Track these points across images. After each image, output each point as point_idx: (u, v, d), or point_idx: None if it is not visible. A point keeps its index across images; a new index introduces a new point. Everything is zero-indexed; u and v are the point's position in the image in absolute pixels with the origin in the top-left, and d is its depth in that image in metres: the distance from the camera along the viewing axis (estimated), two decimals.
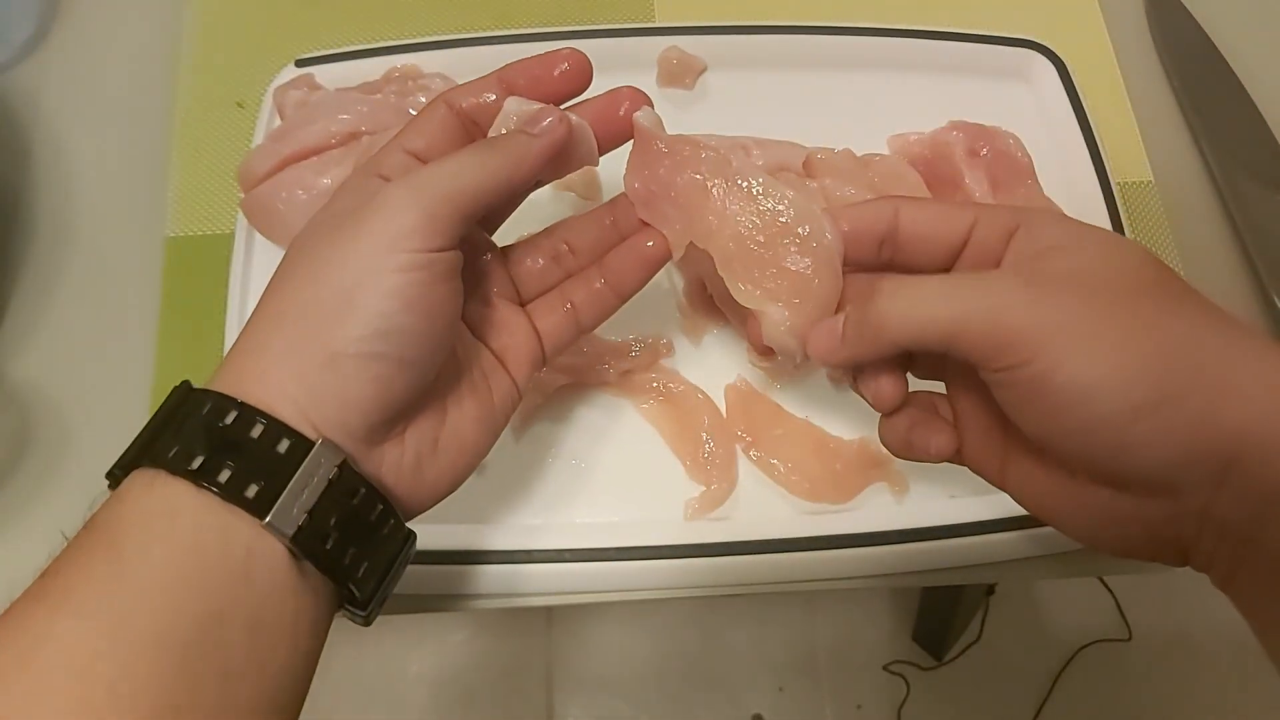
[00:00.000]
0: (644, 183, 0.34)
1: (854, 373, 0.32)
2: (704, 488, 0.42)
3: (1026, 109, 0.51)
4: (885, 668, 1.06)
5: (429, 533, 0.33)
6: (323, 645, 0.28)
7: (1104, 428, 0.25)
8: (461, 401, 0.32)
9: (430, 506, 0.31)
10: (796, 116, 0.48)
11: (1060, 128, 0.49)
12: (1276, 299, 0.47)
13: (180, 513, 0.25)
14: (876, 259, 0.32)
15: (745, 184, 0.33)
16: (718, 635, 1.08)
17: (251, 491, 0.25)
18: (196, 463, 0.25)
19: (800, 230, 0.32)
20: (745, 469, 0.43)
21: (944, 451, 0.31)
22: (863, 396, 0.32)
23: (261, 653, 0.25)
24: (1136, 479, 0.26)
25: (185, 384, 0.28)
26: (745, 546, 0.40)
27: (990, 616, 1.07)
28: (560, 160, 0.32)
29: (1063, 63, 0.51)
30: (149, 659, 0.23)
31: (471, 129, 0.33)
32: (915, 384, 0.32)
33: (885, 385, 0.31)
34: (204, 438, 0.26)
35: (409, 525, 0.30)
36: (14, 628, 0.23)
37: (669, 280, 0.46)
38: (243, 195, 0.45)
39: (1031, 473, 0.29)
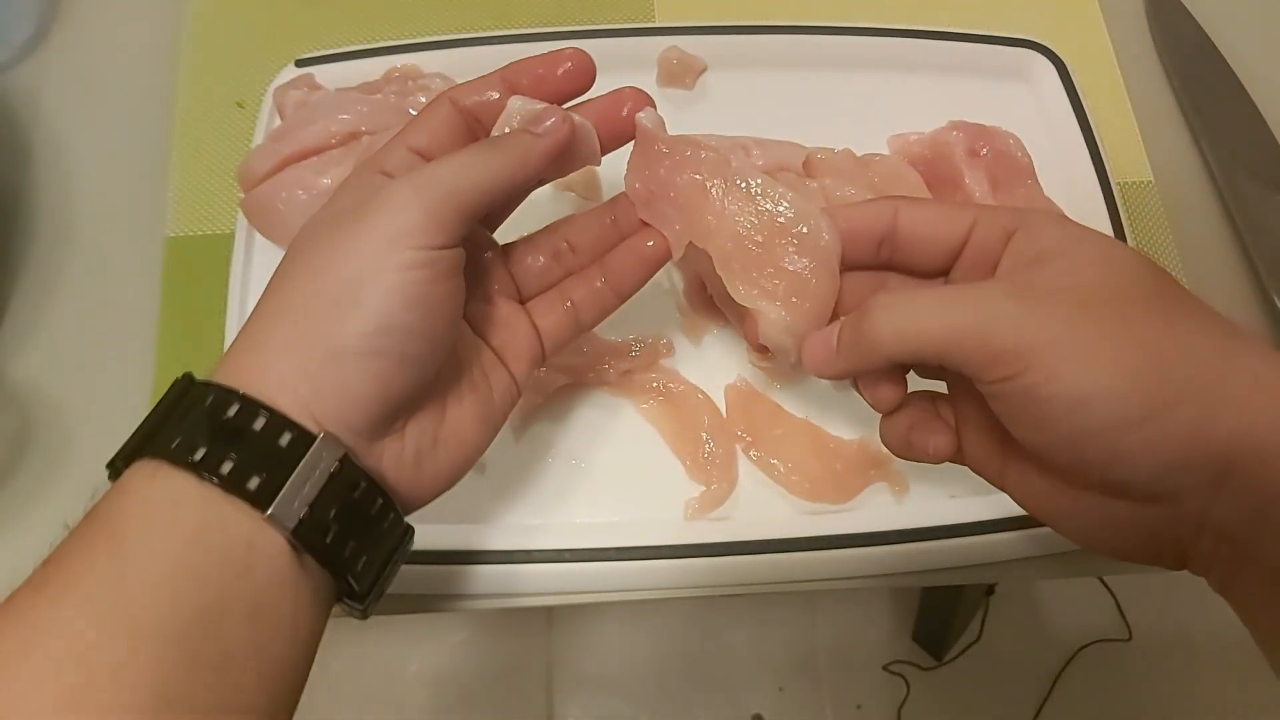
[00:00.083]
0: (644, 183, 0.34)
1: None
2: (704, 488, 0.42)
3: (1026, 109, 0.51)
4: (885, 668, 1.06)
5: (430, 533, 0.33)
6: (320, 637, 0.28)
7: (1096, 438, 0.25)
8: (461, 398, 0.32)
9: (429, 501, 0.31)
10: (796, 116, 0.48)
11: (1060, 128, 0.49)
12: (1276, 299, 0.47)
13: (182, 504, 0.25)
14: (875, 259, 0.32)
15: (744, 184, 0.33)
16: (718, 635, 1.08)
17: (253, 484, 0.26)
18: (199, 454, 0.25)
19: (798, 230, 0.32)
20: (745, 469, 0.43)
21: (943, 452, 0.32)
22: (862, 396, 0.32)
23: (261, 644, 0.25)
24: (1131, 486, 0.26)
25: (187, 376, 0.28)
26: (745, 546, 0.40)
27: (990, 616, 1.07)
28: (563, 159, 0.32)
29: (1063, 63, 0.51)
30: (150, 648, 0.23)
31: (474, 127, 0.33)
32: (917, 383, 0.32)
33: (884, 389, 0.31)
34: (207, 429, 0.26)
35: (407, 520, 0.30)
36: (15, 616, 0.23)
37: (669, 280, 0.46)
38: (243, 195, 0.45)
39: (1030, 476, 0.29)
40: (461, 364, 0.32)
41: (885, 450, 0.33)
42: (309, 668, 0.28)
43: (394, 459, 0.29)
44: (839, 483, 0.42)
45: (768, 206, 0.33)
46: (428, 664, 1.07)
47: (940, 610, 1.04)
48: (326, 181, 0.44)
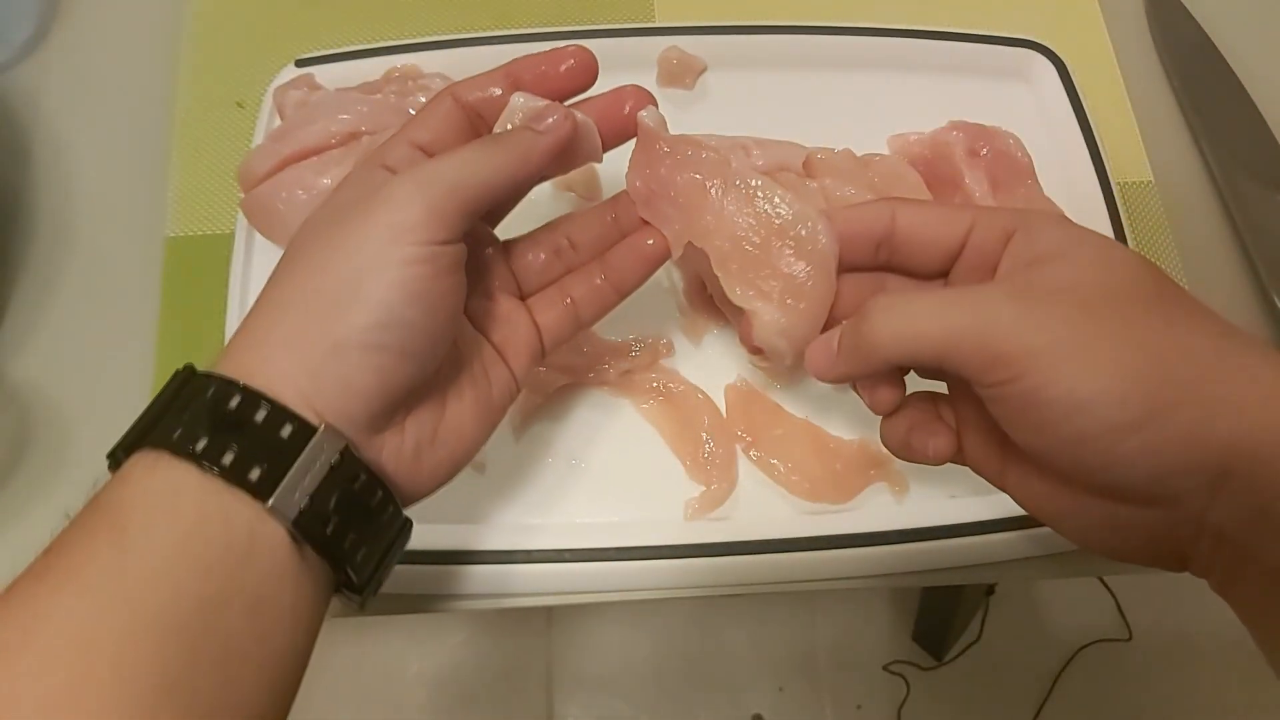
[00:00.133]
0: (645, 181, 0.34)
1: None
2: (704, 488, 0.42)
3: (1026, 109, 0.51)
4: (885, 668, 1.06)
5: (430, 532, 0.33)
6: (319, 629, 0.28)
7: (1094, 442, 0.25)
8: (461, 393, 0.32)
9: (427, 494, 0.31)
10: (796, 116, 0.48)
11: (1060, 128, 0.49)
12: (1276, 299, 0.47)
13: (183, 494, 0.25)
14: (874, 261, 0.32)
15: (743, 185, 0.33)
16: (718, 635, 1.08)
17: (255, 475, 0.26)
18: (200, 445, 0.25)
19: (796, 232, 0.32)
20: (745, 469, 0.43)
21: (942, 454, 0.32)
22: (861, 398, 0.32)
23: (261, 634, 0.25)
24: (1130, 490, 0.26)
25: (189, 367, 0.28)
26: (745, 546, 0.40)
27: (990, 616, 1.07)
28: (565, 157, 0.32)
29: (1063, 63, 0.51)
30: (150, 638, 0.23)
31: (477, 123, 0.33)
32: (917, 383, 0.32)
33: (882, 391, 0.32)
34: (208, 420, 0.26)
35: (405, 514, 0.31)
36: (17, 605, 0.23)
37: (669, 280, 0.46)
38: (243, 195, 0.45)
39: (1030, 477, 0.29)
40: (462, 359, 0.32)
41: (885, 450, 0.33)
42: (307, 660, 0.28)
43: (393, 452, 0.29)
44: (839, 483, 0.42)
45: (766, 208, 0.33)
46: (428, 664, 1.07)
47: (940, 610, 1.04)
48: (326, 181, 0.44)
